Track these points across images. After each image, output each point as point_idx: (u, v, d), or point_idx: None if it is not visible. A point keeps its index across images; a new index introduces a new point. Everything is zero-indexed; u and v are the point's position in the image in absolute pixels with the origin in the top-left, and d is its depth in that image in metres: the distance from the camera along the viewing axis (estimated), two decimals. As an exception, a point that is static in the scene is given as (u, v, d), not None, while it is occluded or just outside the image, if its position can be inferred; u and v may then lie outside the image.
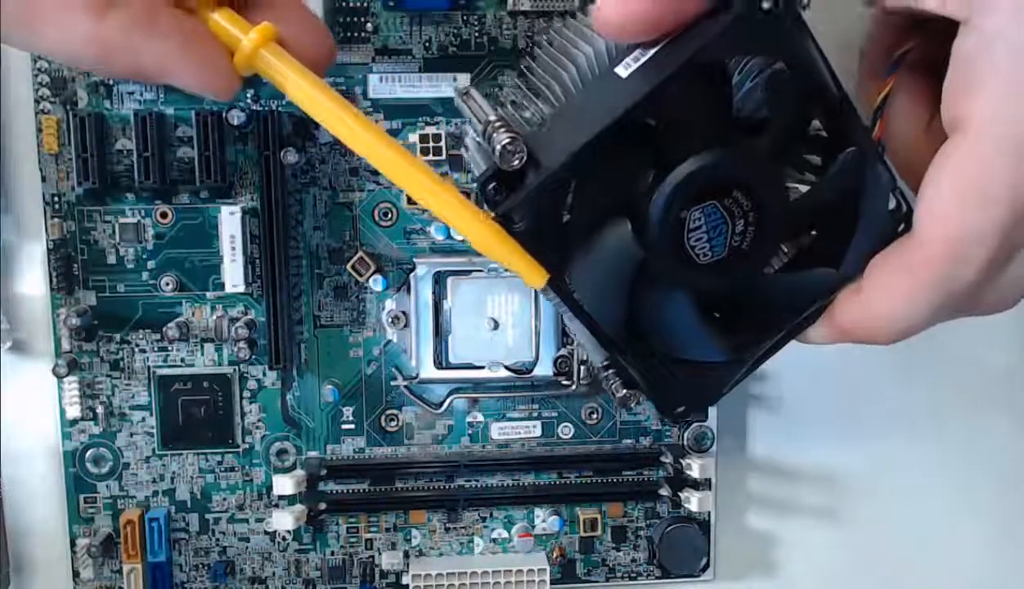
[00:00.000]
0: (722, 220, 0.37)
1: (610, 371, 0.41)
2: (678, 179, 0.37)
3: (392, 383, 0.56)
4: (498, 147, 0.36)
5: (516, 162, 0.36)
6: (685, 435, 0.58)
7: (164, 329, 0.54)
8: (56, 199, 0.53)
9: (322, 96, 0.38)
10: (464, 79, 0.54)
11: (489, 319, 0.55)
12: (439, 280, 0.54)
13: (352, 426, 0.56)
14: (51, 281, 0.53)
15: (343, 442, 0.57)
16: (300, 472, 0.56)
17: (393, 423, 0.57)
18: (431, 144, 0.54)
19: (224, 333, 0.55)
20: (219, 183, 0.53)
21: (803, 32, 0.36)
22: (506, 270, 0.38)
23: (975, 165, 0.35)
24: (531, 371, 0.55)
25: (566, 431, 0.58)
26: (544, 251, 0.37)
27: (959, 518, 0.61)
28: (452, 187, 0.38)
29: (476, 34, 0.54)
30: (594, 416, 0.58)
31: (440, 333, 0.55)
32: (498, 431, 0.57)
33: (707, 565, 0.59)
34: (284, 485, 0.55)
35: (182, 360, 0.55)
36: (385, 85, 0.54)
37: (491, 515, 0.58)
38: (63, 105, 0.52)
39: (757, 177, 0.37)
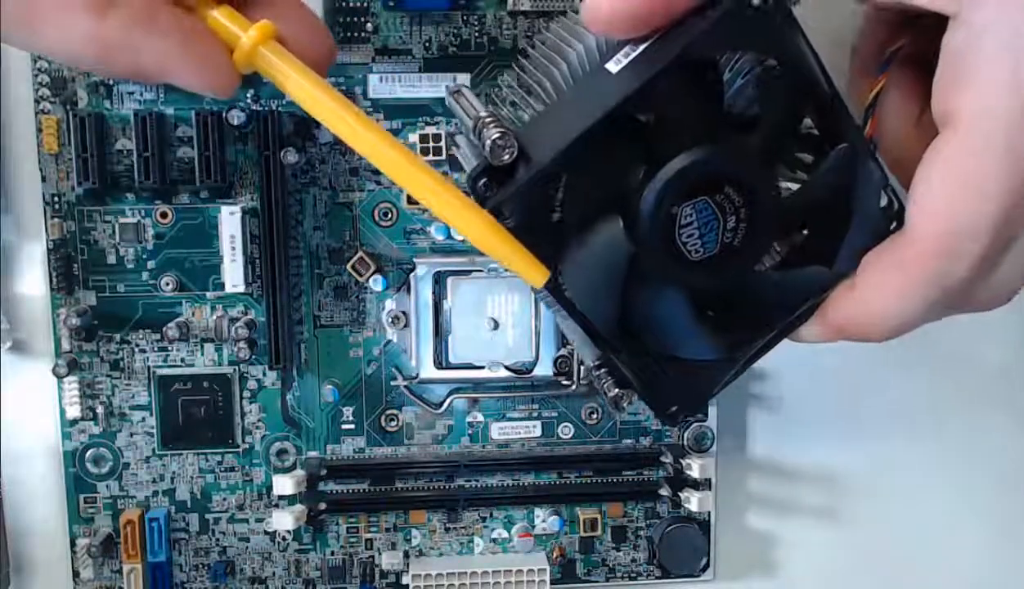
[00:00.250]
0: (713, 216, 0.37)
1: (602, 371, 0.40)
2: (669, 174, 0.37)
3: (392, 383, 0.56)
4: (488, 142, 0.36)
5: (506, 157, 0.36)
6: (685, 435, 0.58)
7: (164, 329, 0.54)
8: (56, 199, 0.53)
9: (322, 94, 0.38)
10: (464, 79, 0.54)
11: (489, 319, 0.55)
12: (439, 280, 0.54)
13: (352, 426, 0.56)
14: (51, 281, 0.53)
15: (343, 442, 0.57)
16: (300, 472, 0.56)
17: (393, 423, 0.57)
18: (431, 144, 0.54)
19: (224, 333, 0.55)
20: (219, 183, 0.53)
21: (794, 28, 0.36)
22: (506, 270, 0.38)
23: (966, 160, 0.35)
24: (531, 371, 0.55)
25: (566, 431, 0.58)
26: (535, 246, 0.37)
27: (959, 518, 0.61)
28: (454, 186, 0.37)
29: (476, 34, 0.54)
30: (594, 416, 0.58)
31: (440, 333, 0.55)
32: (498, 431, 0.57)
33: (707, 565, 0.59)
34: (284, 485, 0.55)
35: (182, 360, 0.55)
36: (385, 85, 0.54)
37: (491, 515, 0.58)
38: (63, 105, 0.52)
39: (748, 173, 0.37)
